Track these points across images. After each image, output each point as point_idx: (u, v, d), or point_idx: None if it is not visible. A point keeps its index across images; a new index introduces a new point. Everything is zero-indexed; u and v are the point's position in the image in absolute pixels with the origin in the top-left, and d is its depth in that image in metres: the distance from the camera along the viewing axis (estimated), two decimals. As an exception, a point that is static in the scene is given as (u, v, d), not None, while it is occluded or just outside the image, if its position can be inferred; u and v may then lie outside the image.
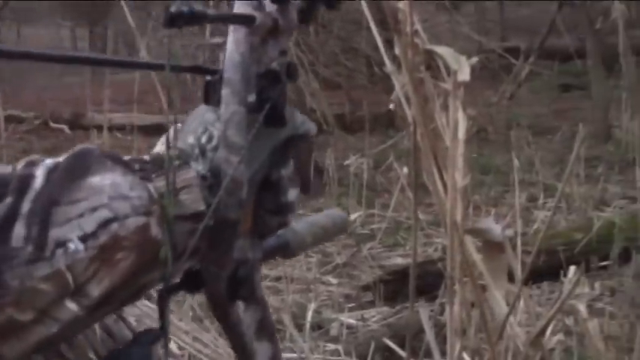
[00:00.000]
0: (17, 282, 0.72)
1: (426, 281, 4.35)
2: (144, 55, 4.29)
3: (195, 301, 3.95)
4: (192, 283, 0.91)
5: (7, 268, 0.72)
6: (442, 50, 1.30)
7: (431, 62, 1.44)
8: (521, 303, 1.61)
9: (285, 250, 1.02)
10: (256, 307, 0.95)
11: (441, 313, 3.86)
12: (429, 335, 1.51)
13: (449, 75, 1.28)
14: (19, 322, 0.72)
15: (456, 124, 1.32)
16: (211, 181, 0.88)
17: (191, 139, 0.89)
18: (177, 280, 0.91)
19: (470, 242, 1.36)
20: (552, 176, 6.01)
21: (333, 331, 4.07)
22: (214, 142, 0.89)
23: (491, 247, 1.33)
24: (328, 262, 4.95)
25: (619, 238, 4.48)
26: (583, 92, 9.06)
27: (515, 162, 4.96)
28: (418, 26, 1.38)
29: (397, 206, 5.53)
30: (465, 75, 1.31)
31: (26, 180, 0.77)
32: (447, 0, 7.45)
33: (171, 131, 0.88)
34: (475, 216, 5.31)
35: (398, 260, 5.01)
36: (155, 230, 0.79)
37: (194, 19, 0.85)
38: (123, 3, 3.33)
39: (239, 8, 0.90)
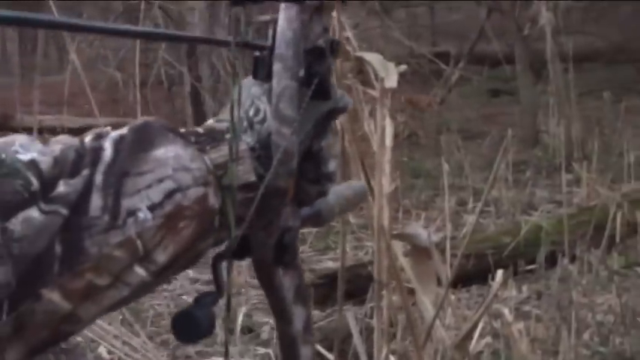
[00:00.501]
0: (96, 249, 0.77)
1: (357, 285, 4.38)
2: (74, 58, 4.24)
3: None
4: (239, 249, 0.95)
5: (87, 236, 0.77)
6: (371, 57, 1.31)
7: (362, 68, 1.46)
8: (453, 306, 1.63)
9: (318, 219, 1.06)
10: (295, 273, 0.99)
11: (370, 316, 3.90)
12: (356, 339, 1.52)
13: (377, 81, 1.30)
14: (97, 286, 0.77)
15: (383, 130, 1.33)
16: (260, 152, 0.93)
17: (239, 113, 0.93)
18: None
19: (397, 247, 1.37)
20: (481, 180, 6.09)
21: (264, 335, 4.07)
22: (261, 115, 0.94)
23: (420, 252, 1.34)
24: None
25: (546, 241, 4.56)
26: (511, 97, 9.20)
27: (445, 166, 5.03)
28: (349, 33, 1.39)
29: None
30: (392, 82, 1.32)
31: (97, 152, 0.81)
32: (378, 0, 7.50)
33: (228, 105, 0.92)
34: (405, 219, 5.36)
35: (329, 264, 5.02)
36: (212, 200, 0.84)
37: None
38: (51, 3, 3.28)
39: None
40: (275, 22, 0.98)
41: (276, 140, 0.95)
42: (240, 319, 3.92)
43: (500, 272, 3.10)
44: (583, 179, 5.36)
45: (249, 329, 4.04)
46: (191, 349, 3.81)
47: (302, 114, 0.95)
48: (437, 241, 1.36)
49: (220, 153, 0.90)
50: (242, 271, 4.71)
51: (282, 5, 0.98)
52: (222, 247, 0.94)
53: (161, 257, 0.80)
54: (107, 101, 7.83)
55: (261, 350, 3.86)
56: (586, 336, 3.55)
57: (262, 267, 0.97)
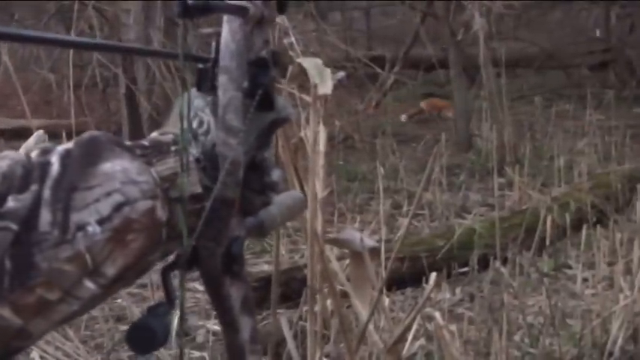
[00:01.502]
0: (46, 264, 0.78)
1: (292, 287, 4.40)
2: (6, 60, 4.17)
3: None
4: (188, 260, 0.96)
5: (37, 251, 0.78)
6: (309, 63, 1.32)
7: (301, 73, 1.47)
8: (386, 310, 1.65)
9: (261, 229, 1.07)
10: (241, 284, 1.01)
11: (305, 319, 3.91)
12: (290, 343, 1.53)
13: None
14: (47, 301, 0.78)
15: (316, 136, 1.34)
16: (205, 164, 0.94)
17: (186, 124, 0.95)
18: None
19: (331, 252, 1.38)
20: (416, 184, 6.14)
21: (199, 339, 4.05)
22: (205, 126, 0.96)
23: (355, 257, 1.36)
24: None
25: (478, 244, 4.62)
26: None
27: (380, 170, 5.07)
28: (293, 38, 1.41)
29: (264, 213, 5.54)
30: (326, 89, 1.33)
31: (44, 167, 0.82)
32: (315, 0, 7.52)
33: (174, 116, 0.94)
34: (340, 223, 5.38)
35: (264, 267, 5.02)
36: (160, 212, 0.85)
37: (206, 10, 0.91)
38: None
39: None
40: (218, 34, 1.00)
41: (223, 151, 0.97)
42: (175, 322, 3.90)
43: (433, 275, 3.14)
44: (515, 183, 5.44)
45: (184, 333, 4.02)
46: (124, 354, 3.78)
47: (246, 125, 0.97)
48: (372, 246, 1.37)
49: (166, 165, 0.91)
50: (176, 275, 4.69)
51: (226, 18, 1.00)
52: (171, 259, 0.95)
53: (110, 270, 0.81)
54: (40, 103, 7.72)
55: (197, 354, 3.85)
56: (517, 337, 3.60)
57: (210, 277, 0.98)
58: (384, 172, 5.75)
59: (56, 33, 7.68)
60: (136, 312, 4.13)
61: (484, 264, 4.47)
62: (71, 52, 5.44)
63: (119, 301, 4.40)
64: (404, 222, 5.39)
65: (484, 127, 7.27)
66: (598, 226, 5.16)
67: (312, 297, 1.33)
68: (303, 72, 1.30)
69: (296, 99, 1.35)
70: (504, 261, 4.37)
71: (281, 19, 1.52)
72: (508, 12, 7.81)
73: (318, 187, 1.35)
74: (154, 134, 0.98)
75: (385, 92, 9.05)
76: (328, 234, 4.99)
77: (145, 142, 0.93)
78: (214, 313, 3.68)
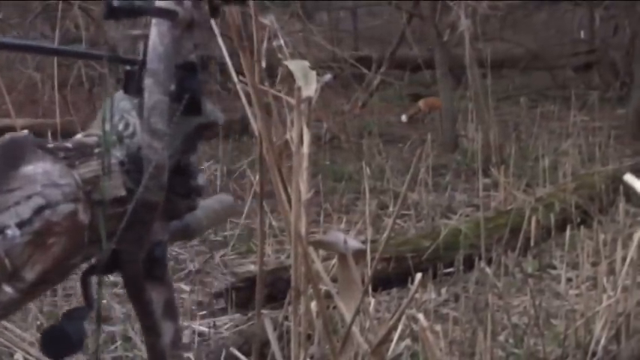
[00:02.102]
0: None
1: (278, 288, 4.40)
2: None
3: (38, 309, 3.86)
4: (109, 264, 0.95)
5: None
6: (294, 65, 1.33)
7: (289, 75, 1.48)
8: (371, 311, 1.66)
9: (186, 233, 1.07)
10: (164, 288, 1.00)
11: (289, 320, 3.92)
12: (274, 344, 1.54)
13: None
14: None
15: (300, 138, 1.35)
16: (129, 166, 0.93)
17: (108, 127, 0.93)
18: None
19: (315, 253, 1.40)
20: (402, 184, 6.16)
21: (185, 339, 4.05)
22: (131, 129, 0.95)
23: (342, 258, 1.37)
24: (181, 268, 4.92)
25: (464, 245, 4.64)
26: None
27: (367, 170, 5.08)
28: (281, 40, 1.42)
29: (250, 213, 5.55)
30: (309, 91, 1.34)
31: None
32: (299, 0, 7.53)
33: (99, 118, 0.92)
34: (326, 223, 5.39)
35: (251, 267, 5.02)
36: (82, 215, 0.86)
37: (132, 12, 0.91)
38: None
39: (161, 2, 0.95)
40: (146, 37, 0.99)
41: (147, 154, 0.95)
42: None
43: (418, 275, 3.15)
44: (500, 183, 5.46)
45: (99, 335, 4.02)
46: (107, 356, 3.77)
47: (172, 129, 0.96)
48: (356, 248, 1.39)
49: (89, 168, 0.90)
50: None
51: (154, 21, 0.99)
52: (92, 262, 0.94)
53: (30, 275, 0.78)
54: (26, 102, 7.69)
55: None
56: (501, 337, 3.62)
57: (132, 281, 0.97)
58: (370, 172, 5.77)
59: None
60: (120, 311, 4.13)
61: (469, 264, 4.49)
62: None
63: (104, 301, 4.40)
64: (389, 222, 5.40)
65: (470, 128, 7.30)
66: (582, 227, 5.19)
67: (297, 298, 1.34)
68: (290, 74, 1.31)
69: (283, 101, 1.36)
70: (489, 261, 4.39)
71: (270, 20, 1.53)
72: (493, 13, 7.84)
73: (302, 188, 1.36)
74: (79, 136, 0.96)
75: (372, 92, 9.06)
76: (314, 234, 5.01)
77: (69, 144, 0.92)
78: (200, 313, 3.65)
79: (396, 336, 2.72)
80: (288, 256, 5.05)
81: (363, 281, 1.37)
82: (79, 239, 0.85)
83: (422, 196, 5.70)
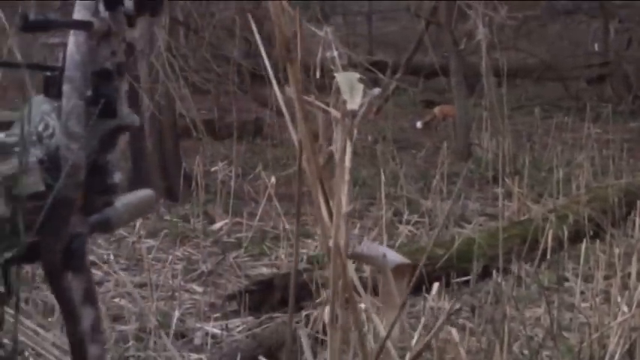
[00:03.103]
0: None
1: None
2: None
3: None
4: (30, 254, 1.02)
5: None
6: (342, 77, 1.35)
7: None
8: (404, 324, 1.66)
9: (107, 226, 1.15)
10: (83, 276, 1.07)
11: (306, 324, 3.92)
12: (307, 354, 1.54)
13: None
14: None
15: (343, 151, 1.36)
16: (48, 164, 1.02)
17: (31, 126, 1.03)
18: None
19: (351, 267, 1.41)
20: (416, 191, 6.16)
21: (197, 341, 4.05)
22: (50, 130, 1.04)
23: (384, 272, 1.39)
24: (193, 269, 4.93)
25: (478, 254, 4.64)
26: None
27: (381, 176, 5.08)
28: (335, 52, 1.44)
29: (263, 215, 5.55)
30: (354, 104, 1.35)
31: None
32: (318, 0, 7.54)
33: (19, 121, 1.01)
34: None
35: (263, 270, 5.03)
36: (2, 209, 0.91)
37: (47, 25, 0.99)
38: None
39: (79, 13, 1.03)
40: (65, 45, 1.08)
41: (65, 154, 1.05)
42: (173, 324, 3.91)
43: (435, 285, 3.15)
44: (514, 194, 5.47)
45: (182, 334, 4.03)
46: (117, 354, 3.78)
47: (89, 131, 1.05)
48: (397, 262, 1.40)
49: (10, 165, 0.99)
50: (177, 274, 4.70)
51: (72, 31, 1.07)
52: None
53: None
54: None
55: (195, 356, 3.85)
56: (516, 349, 3.62)
57: (51, 271, 1.05)
58: (384, 178, 5.77)
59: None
60: (133, 311, 4.14)
61: (483, 274, 4.49)
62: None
63: (116, 300, 4.41)
64: (404, 229, 5.41)
65: (484, 137, 7.30)
66: (595, 240, 5.19)
67: (334, 312, 1.35)
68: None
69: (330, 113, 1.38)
70: (504, 272, 4.39)
71: (326, 32, 1.57)
72: (510, 23, 7.84)
73: (343, 201, 1.37)
74: (0, 135, 1.05)
75: (387, 98, 9.07)
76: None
77: None
78: (212, 314, 3.65)
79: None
80: (302, 260, 5.05)
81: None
82: (1, 232, 0.92)
83: (436, 204, 5.70)
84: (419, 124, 8.82)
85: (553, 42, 11.77)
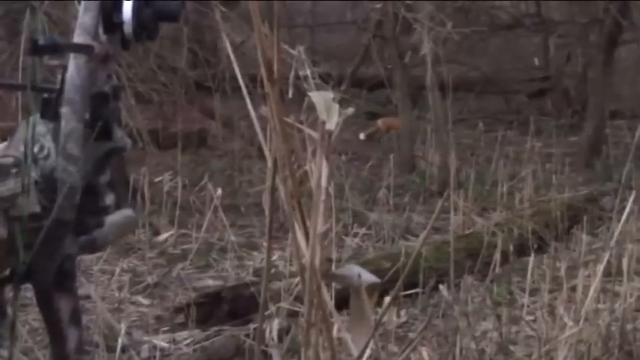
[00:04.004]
0: None
1: (238, 304, 4.38)
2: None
3: None
4: (22, 275, 1.01)
5: None
6: (317, 97, 1.35)
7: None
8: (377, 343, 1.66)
9: (94, 246, 1.14)
10: (71, 296, 1.07)
11: (253, 338, 3.90)
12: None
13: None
14: None
15: (320, 171, 1.36)
16: (43, 186, 1.00)
17: (24, 149, 1.02)
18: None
19: (325, 286, 1.41)
20: (362, 203, 6.19)
21: (144, 354, 4.01)
22: (45, 152, 1.03)
23: (356, 291, 1.39)
24: (139, 281, 4.88)
25: (425, 268, 4.67)
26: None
27: (329, 188, 5.08)
28: (308, 71, 1.44)
29: (209, 227, 5.53)
30: (331, 125, 1.35)
31: None
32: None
33: (16, 140, 1.00)
34: (285, 240, 5.38)
35: (209, 282, 5.00)
36: (1, 231, 0.91)
37: (55, 49, 0.99)
38: None
39: (79, 37, 1.03)
40: (64, 67, 1.08)
41: (62, 177, 1.05)
42: (120, 337, 3.86)
43: (387, 299, 3.17)
44: (459, 207, 5.52)
45: (128, 348, 3.98)
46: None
47: (85, 153, 1.05)
48: (371, 282, 1.40)
49: (7, 187, 0.98)
50: (123, 286, 4.65)
51: (72, 54, 1.08)
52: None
53: None
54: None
55: (142, 369, 3.81)
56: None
57: (42, 291, 1.05)
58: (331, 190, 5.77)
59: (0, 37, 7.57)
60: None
61: (431, 287, 4.52)
62: (21, 54, 5.38)
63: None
64: (350, 242, 5.43)
65: (428, 150, 7.36)
66: (538, 254, 5.26)
67: (308, 334, 1.34)
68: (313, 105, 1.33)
69: (304, 132, 1.38)
70: (450, 285, 4.42)
71: (298, 50, 1.57)
72: (453, 37, 7.92)
73: (319, 222, 1.37)
74: None
75: (331, 110, 9.07)
76: (274, 250, 4.99)
77: None
78: (159, 327, 3.62)
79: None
80: (248, 273, 5.04)
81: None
82: None
83: (382, 217, 5.73)
84: (362, 136, 8.87)
85: (494, 56, 11.92)
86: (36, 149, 1.05)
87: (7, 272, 1.01)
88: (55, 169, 1.04)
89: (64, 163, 1.03)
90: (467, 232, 5.48)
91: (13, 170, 1.00)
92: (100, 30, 1.08)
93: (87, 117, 1.09)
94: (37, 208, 0.99)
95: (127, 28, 1.10)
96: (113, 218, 1.15)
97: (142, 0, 1.14)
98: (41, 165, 1.04)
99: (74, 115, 1.04)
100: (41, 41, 1.04)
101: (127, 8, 1.12)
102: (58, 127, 1.06)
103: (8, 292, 1.03)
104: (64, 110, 1.05)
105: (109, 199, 1.11)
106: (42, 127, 1.07)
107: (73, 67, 1.09)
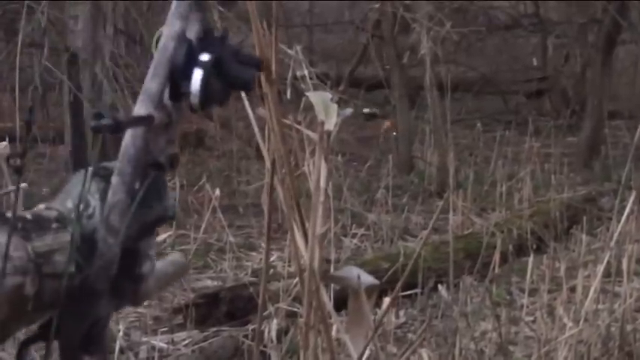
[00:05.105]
0: None
1: (237, 305, 4.37)
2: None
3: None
4: (47, 333, 0.96)
5: None
6: (315, 97, 1.33)
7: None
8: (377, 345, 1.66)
9: (135, 300, 1.09)
10: (99, 356, 1.01)
11: (252, 338, 3.89)
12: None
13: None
14: None
15: (319, 172, 1.35)
16: (81, 245, 0.94)
17: (70, 204, 0.96)
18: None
19: (323, 289, 1.39)
20: (360, 204, 6.17)
21: (142, 355, 4.00)
22: (90, 210, 0.97)
23: (355, 293, 1.37)
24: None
25: (423, 268, 4.66)
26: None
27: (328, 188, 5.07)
28: (306, 71, 1.42)
29: (208, 227, 5.51)
30: (330, 125, 1.34)
31: None
32: None
33: (64, 193, 0.95)
34: (283, 241, 5.37)
35: (208, 282, 4.99)
36: (29, 288, 0.90)
37: (118, 128, 0.94)
38: None
39: (141, 105, 0.97)
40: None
41: (102, 247, 0.99)
42: (118, 337, 3.85)
43: (386, 300, 3.16)
44: (458, 207, 5.52)
45: (128, 348, 3.97)
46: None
47: (130, 219, 0.99)
48: (369, 283, 1.39)
49: (45, 242, 0.93)
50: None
51: None
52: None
53: None
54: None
55: (140, 371, 3.80)
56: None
57: (68, 352, 1.00)
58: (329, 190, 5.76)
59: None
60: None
61: (430, 287, 4.51)
62: (18, 54, 5.39)
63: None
64: (348, 242, 5.42)
65: (426, 150, 7.35)
66: (538, 254, 5.25)
67: (306, 335, 1.33)
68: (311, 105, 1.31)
69: (302, 133, 1.36)
70: (449, 286, 4.41)
71: (296, 51, 1.55)
72: (451, 37, 7.91)
73: (318, 223, 1.36)
74: (41, 207, 1.00)
75: (329, 110, 9.06)
76: (272, 250, 4.98)
77: (28, 216, 0.95)
78: (158, 328, 3.61)
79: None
80: (247, 273, 5.03)
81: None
82: (23, 308, 0.88)
83: (380, 217, 5.72)
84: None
85: (492, 56, 11.91)
86: (82, 207, 1.00)
87: (35, 329, 0.98)
88: (97, 230, 1.00)
89: (104, 234, 0.98)
90: (466, 232, 5.48)
91: (54, 225, 0.96)
92: (166, 94, 1.03)
93: (137, 186, 1.03)
94: (72, 267, 0.96)
95: (194, 99, 1.03)
96: (159, 265, 1.10)
97: (213, 68, 1.06)
98: (84, 224, 0.99)
99: (122, 187, 0.99)
100: (105, 121, 0.97)
101: (197, 77, 1.05)
102: (107, 189, 1.02)
103: (32, 352, 0.99)
104: (114, 180, 0.99)
105: (146, 267, 1.06)
106: (93, 184, 1.02)
107: (130, 135, 1.02)
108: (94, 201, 1.01)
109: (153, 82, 1.02)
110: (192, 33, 1.06)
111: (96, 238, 1.00)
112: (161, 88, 1.02)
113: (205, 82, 1.04)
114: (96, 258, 0.99)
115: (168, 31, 1.04)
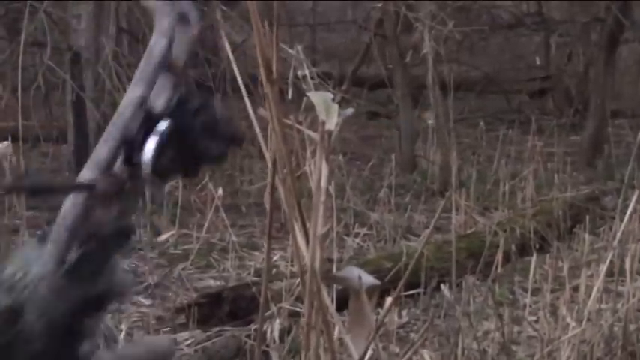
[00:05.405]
0: None
1: (239, 305, 4.37)
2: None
3: None
4: None
5: None
6: (316, 97, 1.32)
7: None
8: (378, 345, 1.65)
9: None
10: None
11: (254, 338, 3.89)
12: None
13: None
14: None
15: (320, 172, 1.35)
16: (7, 316, 0.90)
17: (10, 270, 0.92)
18: None
19: (325, 288, 1.39)
20: (363, 203, 6.17)
21: (145, 354, 3.99)
22: (28, 278, 0.91)
23: (357, 293, 1.37)
24: (140, 281, 4.87)
25: (426, 267, 4.65)
26: (389, 121, 9.38)
27: (330, 188, 5.07)
28: (306, 70, 1.42)
29: (210, 227, 5.51)
30: (331, 125, 1.34)
31: None
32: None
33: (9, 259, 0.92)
34: (286, 240, 5.37)
35: (210, 282, 4.99)
36: None
37: (50, 191, 0.88)
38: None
39: (87, 171, 0.91)
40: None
41: (23, 321, 0.93)
42: (121, 337, 3.85)
43: (389, 300, 3.16)
44: (461, 207, 5.51)
45: (130, 348, 3.97)
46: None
47: (61, 295, 0.92)
48: (370, 284, 1.39)
49: None
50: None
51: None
52: None
53: None
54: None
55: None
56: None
57: None
58: (332, 190, 5.76)
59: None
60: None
61: (433, 287, 4.51)
62: (21, 53, 5.39)
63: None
64: (351, 242, 5.42)
65: (429, 149, 7.34)
66: (540, 253, 5.24)
67: (307, 335, 1.33)
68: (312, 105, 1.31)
69: (303, 133, 1.36)
70: (452, 285, 4.41)
71: (296, 50, 1.54)
72: (456, 36, 7.90)
73: (319, 223, 1.35)
74: None
75: (332, 109, 9.06)
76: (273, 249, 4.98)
77: None
78: (160, 328, 3.61)
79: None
80: (249, 273, 5.03)
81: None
82: None
83: (383, 216, 5.72)
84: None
85: (495, 55, 11.90)
86: (20, 274, 0.94)
87: None
88: (28, 302, 0.93)
89: (30, 309, 0.93)
90: (468, 231, 5.47)
91: None
92: (119, 162, 0.95)
93: (71, 258, 0.95)
94: None
95: (146, 169, 0.95)
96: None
97: (173, 139, 0.96)
98: (17, 292, 0.93)
99: (54, 257, 0.92)
100: (28, 182, 0.92)
101: (150, 146, 0.95)
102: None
103: None
104: (47, 248, 0.93)
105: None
106: (34, 253, 0.96)
107: (69, 202, 0.93)
108: (35, 268, 0.95)
109: (104, 147, 0.94)
110: (162, 98, 0.97)
111: (23, 311, 0.94)
112: (111, 155, 0.94)
113: (158, 152, 0.96)
114: (15, 331, 0.94)
115: (128, 96, 0.96)
